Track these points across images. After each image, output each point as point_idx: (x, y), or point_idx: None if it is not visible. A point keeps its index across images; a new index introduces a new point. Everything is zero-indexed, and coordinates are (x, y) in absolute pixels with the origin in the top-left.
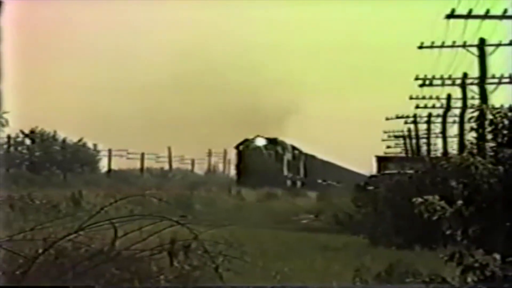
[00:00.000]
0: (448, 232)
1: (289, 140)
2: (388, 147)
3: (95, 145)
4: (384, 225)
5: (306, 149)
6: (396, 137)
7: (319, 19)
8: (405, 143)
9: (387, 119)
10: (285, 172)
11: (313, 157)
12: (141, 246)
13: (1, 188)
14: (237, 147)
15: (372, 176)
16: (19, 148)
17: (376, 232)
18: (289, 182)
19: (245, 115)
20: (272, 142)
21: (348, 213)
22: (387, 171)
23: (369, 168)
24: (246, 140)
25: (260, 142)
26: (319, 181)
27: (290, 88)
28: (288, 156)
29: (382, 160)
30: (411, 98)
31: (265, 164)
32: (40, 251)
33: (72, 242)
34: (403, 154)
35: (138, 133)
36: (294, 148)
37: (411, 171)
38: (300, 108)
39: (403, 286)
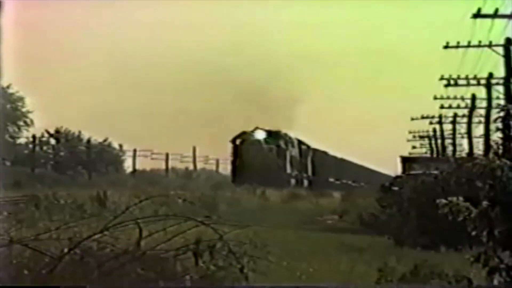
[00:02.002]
0: (473, 233)
1: (307, 138)
2: (414, 147)
3: (120, 145)
4: (409, 225)
5: (329, 150)
6: (422, 137)
7: (343, 20)
8: (430, 144)
9: (412, 119)
10: (288, 170)
11: (324, 153)
12: (166, 246)
13: (26, 187)
14: (233, 140)
15: (397, 177)
16: (44, 148)
17: (401, 233)
18: (293, 181)
19: (266, 112)
20: (274, 135)
21: (373, 214)
22: (412, 172)
23: (394, 168)
24: (243, 133)
25: (260, 135)
26: (331, 180)
27: (314, 87)
28: (293, 151)
29: (406, 161)
30: (435, 98)
31: (264, 160)
32: (66, 250)
33: (97, 242)
34: (428, 155)
35: (163, 133)
36: (300, 142)
37: (436, 172)
38: (324, 109)
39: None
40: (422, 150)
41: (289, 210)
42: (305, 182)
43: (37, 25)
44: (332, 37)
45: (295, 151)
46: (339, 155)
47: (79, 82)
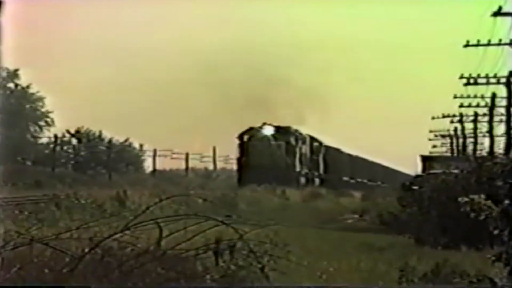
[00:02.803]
0: (495, 232)
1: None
2: (434, 146)
3: (141, 145)
4: (429, 225)
5: (348, 148)
6: (443, 136)
7: (364, 17)
8: (451, 143)
9: (433, 118)
10: (298, 168)
11: (337, 150)
12: (186, 246)
13: (47, 187)
14: (240, 137)
15: (417, 176)
16: (65, 148)
17: (421, 232)
18: (303, 180)
19: (282, 109)
20: (283, 131)
21: (393, 213)
22: (432, 171)
23: (414, 167)
24: (251, 129)
25: (268, 131)
26: (346, 178)
27: (333, 85)
28: (303, 148)
29: (427, 160)
30: (455, 97)
31: (272, 157)
32: (87, 250)
33: (118, 241)
34: (448, 154)
35: (183, 133)
36: (312, 139)
37: (456, 171)
38: (343, 107)
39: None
40: (442, 149)
41: (309, 209)
42: (317, 181)
43: (54, 24)
44: (353, 34)
45: (305, 148)
46: (354, 152)
47: (99, 82)
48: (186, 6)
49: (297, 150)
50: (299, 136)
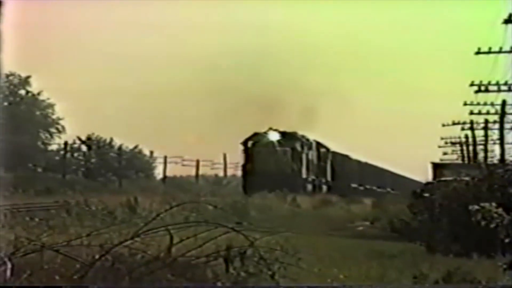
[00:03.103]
0: (506, 240)
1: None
2: (445, 153)
3: (151, 152)
4: (441, 232)
5: (357, 156)
6: (453, 143)
7: (373, 21)
8: (462, 150)
9: (443, 125)
10: (304, 174)
11: (346, 156)
12: (196, 253)
13: (57, 194)
14: (244, 143)
15: (428, 183)
16: (76, 155)
17: (432, 240)
18: (310, 187)
19: (290, 116)
20: (289, 136)
21: (404, 220)
22: (443, 178)
23: (424, 174)
24: (255, 134)
25: (273, 136)
26: (354, 185)
27: (341, 91)
28: (310, 154)
29: (438, 167)
30: (465, 104)
31: (278, 164)
32: (97, 256)
33: (128, 248)
34: (459, 161)
35: (193, 140)
36: (319, 144)
37: (467, 178)
38: (352, 113)
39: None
40: (453, 156)
41: (320, 216)
42: (324, 188)
43: (62, 30)
44: (362, 40)
45: (312, 154)
46: (363, 159)
47: (109, 89)
48: (198, 10)
49: (304, 156)
50: (305, 142)
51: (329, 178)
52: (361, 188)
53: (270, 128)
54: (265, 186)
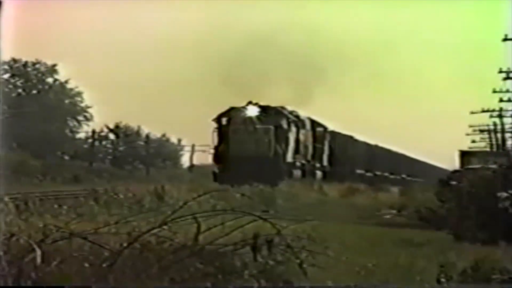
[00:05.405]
0: None
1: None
2: (473, 141)
3: (179, 140)
4: (468, 220)
5: (384, 143)
6: (481, 131)
7: (405, 16)
8: (490, 138)
9: (472, 113)
10: (290, 158)
11: (349, 137)
12: (224, 241)
13: (85, 182)
14: (217, 119)
15: (455, 171)
16: (103, 143)
17: (460, 228)
18: (297, 173)
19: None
20: (272, 112)
21: (431, 209)
22: (470, 166)
23: (451, 162)
24: (231, 109)
25: (253, 111)
26: (360, 171)
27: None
28: (301, 134)
29: (465, 155)
30: (494, 91)
31: (257, 145)
32: (125, 244)
33: (156, 236)
34: (487, 149)
35: None
36: (314, 122)
37: (494, 166)
38: (381, 100)
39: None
40: (481, 144)
41: (347, 204)
42: (318, 174)
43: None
44: (394, 31)
45: (305, 134)
46: (388, 146)
47: (138, 77)
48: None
49: (290, 135)
50: (293, 119)
51: (325, 162)
52: (369, 174)
53: (250, 102)
54: (241, 173)
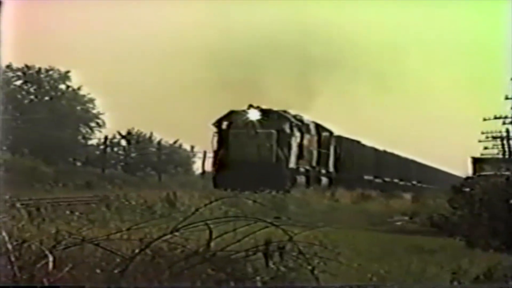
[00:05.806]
0: None
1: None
2: (486, 148)
3: (192, 147)
4: (481, 227)
5: (396, 149)
6: (494, 138)
7: (415, 18)
8: (502, 144)
9: (484, 119)
10: (292, 164)
11: (356, 143)
12: (236, 247)
13: (97, 188)
14: (217, 123)
15: (467, 178)
16: (115, 149)
17: (472, 235)
18: (301, 179)
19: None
20: (274, 115)
21: (443, 215)
22: (482, 173)
23: (465, 169)
24: (231, 113)
25: (254, 115)
26: (368, 177)
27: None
28: (305, 139)
29: (477, 161)
30: (506, 98)
31: (259, 150)
32: (137, 250)
33: (168, 242)
34: (500, 156)
35: None
36: (319, 127)
37: (507, 173)
38: (394, 108)
39: None
40: (494, 151)
41: (359, 211)
42: (323, 180)
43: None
44: (402, 36)
45: (309, 139)
46: (403, 153)
47: (149, 83)
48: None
49: (293, 140)
50: (297, 123)
51: (331, 168)
52: (378, 180)
53: (251, 106)
54: (241, 179)
